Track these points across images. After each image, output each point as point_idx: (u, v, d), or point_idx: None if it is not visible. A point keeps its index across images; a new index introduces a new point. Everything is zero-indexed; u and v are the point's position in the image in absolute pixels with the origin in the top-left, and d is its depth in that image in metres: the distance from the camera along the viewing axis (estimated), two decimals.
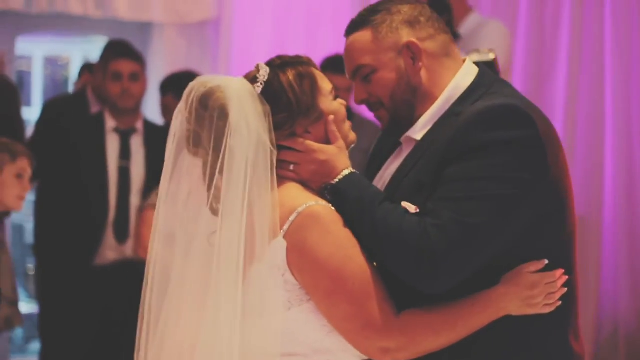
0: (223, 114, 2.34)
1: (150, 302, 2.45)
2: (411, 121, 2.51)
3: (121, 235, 5.41)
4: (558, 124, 6.28)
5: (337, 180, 2.41)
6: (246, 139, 2.32)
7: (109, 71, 5.44)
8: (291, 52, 6.36)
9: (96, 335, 5.41)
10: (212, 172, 2.35)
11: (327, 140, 2.46)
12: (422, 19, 2.51)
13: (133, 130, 5.54)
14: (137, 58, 5.56)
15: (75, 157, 5.39)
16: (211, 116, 2.35)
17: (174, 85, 5.88)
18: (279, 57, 2.48)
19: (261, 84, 2.40)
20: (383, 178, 2.57)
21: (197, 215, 2.41)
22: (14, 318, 4.43)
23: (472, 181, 2.30)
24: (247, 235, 2.31)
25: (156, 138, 5.56)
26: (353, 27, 2.54)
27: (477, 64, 2.58)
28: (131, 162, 5.50)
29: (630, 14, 6.27)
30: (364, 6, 2.61)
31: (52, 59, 8.91)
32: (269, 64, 2.46)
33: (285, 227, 2.32)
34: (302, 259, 2.31)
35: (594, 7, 6.33)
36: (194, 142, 2.40)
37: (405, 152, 2.54)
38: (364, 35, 2.50)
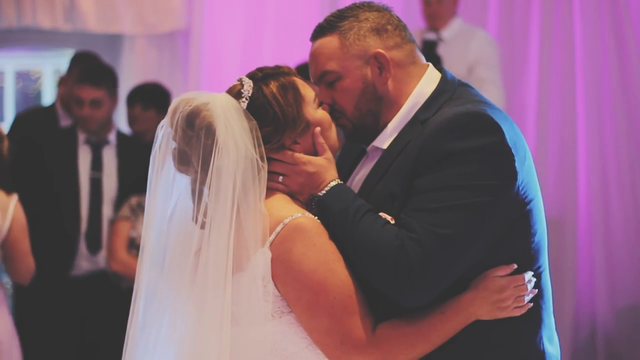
0: (210, 132, 2.34)
1: (137, 315, 2.44)
2: (375, 129, 2.51)
3: (93, 246, 5.39)
4: (530, 127, 6.31)
5: (323, 192, 2.41)
6: (234, 156, 2.32)
7: (73, 93, 5.41)
8: (261, 61, 6.39)
9: (72, 347, 5.37)
10: (200, 188, 2.36)
11: (315, 151, 2.46)
12: (389, 27, 2.50)
13: (105, 142, 5.52)
14: (100, 82, 5.43)
15: (47, 169, 5.37)
16: (198, 135, 2.35)
17: (142, 97, 5.87)
18: (260, 70, 2.47)
19: (246, 99, 2.40)
20: (352, 187, 2.54)
21: (182, 229, 2.41)
22: None
23: (444, 191, 2.29)
24: (234, 246, 2.31)
25: (129, 149, 5.55)
26: (320, 31, 2.54)
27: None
28: (103, 173, 5.48)
29: (599, 16, 6.30)
30: None
31: (23, 73, 8.86)
32: (250, 77, 2.45)
33: (271, 237, 2.32)
34: (286, 271, 2.31)
35: (562, 10, 6.36)
36: (181, 159, 2.39)
37: (371, 160, 2.53)
38: (330, 41, 2.50)
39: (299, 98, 2.44)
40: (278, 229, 2.31)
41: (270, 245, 2.31)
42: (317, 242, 2.32)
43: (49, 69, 8.52)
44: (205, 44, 6.64)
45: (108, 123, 5.54)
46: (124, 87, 6.27)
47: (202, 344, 2.30)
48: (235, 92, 2.42)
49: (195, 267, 2.34)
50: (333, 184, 2.42)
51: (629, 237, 6.29)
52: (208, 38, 6.66)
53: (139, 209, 5.21)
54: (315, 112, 2.47)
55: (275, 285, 2.32)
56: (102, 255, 5.40)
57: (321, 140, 2.45)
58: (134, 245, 5.21)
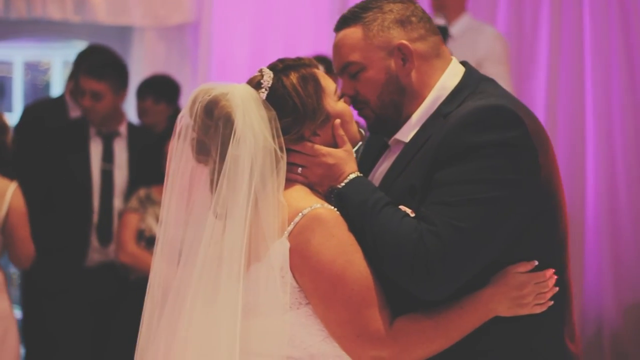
0: (228, 122, 2.34)
1: (152, 305, 2.45)
2: (398, 121, 2.50)
3: (104, 238, 5.39)
4: None
5: (343, 184, 2.40)
6: (251, 146, 2.32)
7: (78, 84, 5.41)
8: (270, 54, 6.40)
9: (82, 338, 5.38)
10: (218, 178, 2.35)
11: (335, 143, 2.46)
12: (413, 19, 2.49)
13: (116, 134, 5.52)
14: (103, 76, 5.39)
15: (58, 160, 5.37)
16: (217, 125, 2.35)
17: (153, 89, 5.88)
18: (281, 61, 2.47)
19: (265, 89, 2.40)
20: (373, 180, 2.54)
21: (199, 219, 2.40)
22: None
23: (465, 184, 2.28)
24: (251, 237, 2.31)
25: (139, 141, 5.55)
26: (344, 22, 2.53)
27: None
28: (114, 165, 5.48)
29: (609, 14, 6.29)
30: (342, 11, 2.61)
31: (32, 64, 8.88)
32: (271, 68, 2.45)
33: (290, 228, 2.31)
34: (304, 261, 2.30)
35: (572, 8, 6.34)
36: (199, 149, 2.39)
37: (393, 153, 2.53)
38: (354, 32, 2.49)
39: (319, 89, 2.43)
40: (297, 219, 2.30)
41: (289, 235, 2.30)
42: (335, 233, 2.30)
43: (58, 61, 8.54)
44: (214, 36, 6.64)
45: (117, 115, 5.54)
46: (133, 80, 6.26)
47: (214, 335, 2.29)
48: (255, 83, 2.42)
49: (211, 258, 2.33)
50: (352, 176, 2.41)
51: (636, 236, 6.29)
52: (217, 31, 6.66)
53: (148, 200, 5.22)
54: (336, 104, 2.46)
55: (293, 276, 2.31)
56: (112, 247, 5.40)
57: (341, 132, 2.45)
58: (142, 237, 5.21)
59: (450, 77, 2.49)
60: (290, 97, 2.40)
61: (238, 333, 2.27)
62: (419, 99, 2.48)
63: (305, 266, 2.30)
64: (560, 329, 2.43)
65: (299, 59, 2.48)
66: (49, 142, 5.38)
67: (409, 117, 2.49)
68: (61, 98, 5.71)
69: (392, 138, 2.52)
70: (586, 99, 6.32)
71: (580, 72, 6.31)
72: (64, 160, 5.37)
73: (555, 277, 2.39)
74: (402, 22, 2.48)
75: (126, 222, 5.22)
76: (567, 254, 2.46)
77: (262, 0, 6.76)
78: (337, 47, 2.52)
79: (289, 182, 2.38)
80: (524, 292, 2.34)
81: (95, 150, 5.46)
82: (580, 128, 6.29)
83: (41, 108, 5.75)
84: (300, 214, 2.31)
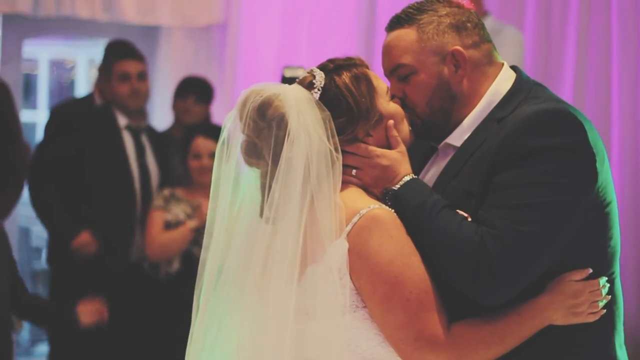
0: (282, 123, 2.30)
1: (199, 312, 2.40)
2: (445, 127, 2.47)
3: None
4: None
5: (398, 186, 2.37)
6: (305, 147, 2.28)
7: (115, 72, 5.45)
8: (298, 55, 6.40)
9: (106, 336, 5.38)
10: (270, 181, 2.32)
11: (388, 144, 2.43)
12: (469, 24, 2.46)
13: (143, 129, 5.56)
14: (142, 58, 5.58)
15: (94, 157, 5.35)
16: (270, 126, 2.31)
17: (195, 89, 5.89)
18: (331, 61, 2.43)
19: (318, 89, 2.36)
20: None
21: (248, 223, 2.38)
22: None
23: (525, 188, 2.25)
24: (307, 239, 2.28)
25: (158, 140, 5.57)
26: (397, 22, 2.48)
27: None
28: (147, 159, 5.51)
29: (637, 18, 6.26)
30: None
31: (58, 62, 8.92)
32: (321, 68, 2.42)
33: (348, 228, 2.28)
34: (362, 262, 2.27)
35: (600, 11, 6.32)
36: (250, 151, 2.36)
37: (442, 158, 2.50)
38: (408, 34, 2.45)
39: (371, 89, 2.40)
40: (355, 219, 2.27)
41: (347, 236, 2.27)
42: (394, 234, 2.27)
43: (83, 59, 8.58)
44: (242, 37, 6.64)
45: (145, 108, 5.59)
46: (160, 80, 6.29)
47: (265, 340, 2.27)
48: (307, 83, 2.39)
49: (262, 263, 2.31)
50: (407, 178, 2.38)
51: None
52: (245, 31, 6.66)
53: (173, 198, 5.23)
54: (388, 105, 2.43)
55: (351, 278, 2.28)
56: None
57: (394, 133, 2.41)
58: (170, 227, 5.20)
59: (502, 82, 2.46)
60: (344, 97, 2.36)
61: (288, 337, 2.25)
62: (469, 106, 2.45)
63: (364, 267, 2.26)
64: (612, 338, 2.41)
65: (349, 58, 2.44)
66: (81, 140, 5.37)
67: (457, 123, 2.46)
68: (90, 96, 5.73)
69: (443, 142, 2.49)
70: (612, 105, 6.30)
71: (607, 77, 6.29)
72: (100, 156, 5.36)
73: (608, 285, 2.37)
74: (458, 28, 2.44)
75: (153, 219, 5.22)
76: (619, 262, 2.43)
77: (290, 2, 6.77)
78: (389, 47, 2.48)
79: (344, 184, 2.34)
80: (579, 300, 2.31)
81: (129, 144, 5.47)
82: (606, 132, 6.27)
83: (70, 107, 5.77)
84: (358, 214, 2.27)
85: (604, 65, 6.31)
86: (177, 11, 6.55)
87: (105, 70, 5.53)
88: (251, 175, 2.40)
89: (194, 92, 5.89)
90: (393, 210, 2.32)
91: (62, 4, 6.31)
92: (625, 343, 6.40)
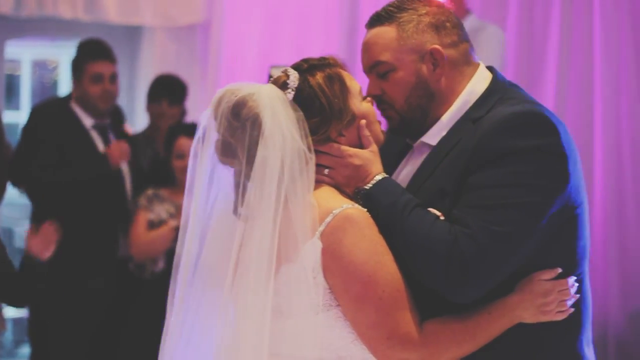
0: (256, 123, 2.31)
1: (178, 298, 2.42)
2: (423, 125, 2.49)
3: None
4: None
5: (370, 185, 2.39)
6: (280, 147, 2.30)
7: (87, 73, 5.38)
8: (281, 55, 6.41)
9: (89, 337, 5.37)
10: (244, 180, 2.33)
11: (361, 144, 2.44)
12: (448, 24, 2.48)
13: (108, 125, 5.48)
14: (114, 59, 5.49)
15: (69, 157, 5.33)
16: (244, 126, 2.32)
17: (167, 92, 5.85)
18: (305, 61, 2.45)
19: (292, 90, 2.38)
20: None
21: (222, 221, 2.39)
22: None
23: (499, 189, 2.28)
24: (281, 238, 2.29)
25: (123, 137, 5.53)
26: (377, 19, 2.50)
27: None
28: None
29: (619, 17, 6.29)
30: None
31: (40, 62, 8.90)
32: (296, 68, 2.43)
33: (321, 228, 2.29)
34: (335, 261, 2.28)
35: (583, 10, 6.35)
36: (225, 151, 2.37)
37: (417, 156, 2.52)
38: (388, 31, 2.47)
39: (344, 90, 2.41)
40: (328, 219, 2.28)
41: (321, 235, 2.27)
42: (367, 234, 2.28)
43: (66, 59, 8.55)
44: (225, 37, 6.64)
45: None
46: (143, 80, 6.28)
47: (241, 338, 2.28)
48: (280, 83, 2.40)
49: (236, 261, 2.33)
50: (379, 177, 2.39)
51: None
52: (228, 32, 6.66)
53: (156, 198, 5.23)
54: (361, 105, 2.44)
55: (324, 277, 2.29)
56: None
57: (367, 132, 2.43)
58: (153, 226, 5.21)
59: (478, 82, 2.48)
60: (317, 97, 2.38)
61: (267, 334, 2.26)
62: (445, 104, 2.47)
63: (337, 266, 2.28)
64: (579, 336, 2.43)
65: (323, 58, 2.45)
66: (58, 140, 5.33)
67: (434, 121, 2.48)
68: (68, 97, 5.67)
69: (419, 141, 2.51)
70: (595, 104, 6.32)
71: (590, 75, 6.31)
72: (76, 155, 5.34)
73: (577, 284, 2.40)
74: (437, 27, 2.46)
75: (136, 219, 5.23)
76: (588, 262, 2.46)
77: (272, 1, 6.77)
78: (368, 44, 2.49)
79: (316, 184, 2.36)
80: (548, 299, 2.34)
81: (98, 143, 5.41)
82: (589, 131, 6.29)
83: (47, 107, 5.69)
84: (331, 214, 2.28)
85: (586, 64, 6.33)
86: (159, 11, 6.55)
87: (77, 69, 5.45)
88: (225, 173, 2.41)
89: (166, 95, 5.82)
90: (366, 210, 2.33)
91: (44, 4, 6.30)
92: (607, 339, 6.40)
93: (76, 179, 5.25)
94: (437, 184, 2.37)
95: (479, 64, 2.53)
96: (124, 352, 5.26)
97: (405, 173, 2.53)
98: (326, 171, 2.40)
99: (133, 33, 6.83)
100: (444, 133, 2.45)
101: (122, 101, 6.21)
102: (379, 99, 2.49)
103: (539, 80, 6.42)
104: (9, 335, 7.52)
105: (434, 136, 2.47)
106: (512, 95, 2.45)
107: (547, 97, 6.39)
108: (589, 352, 2.47)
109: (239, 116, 2.33)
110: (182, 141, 5.17)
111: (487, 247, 2.24)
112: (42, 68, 8.95)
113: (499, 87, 2.48)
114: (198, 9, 6.61)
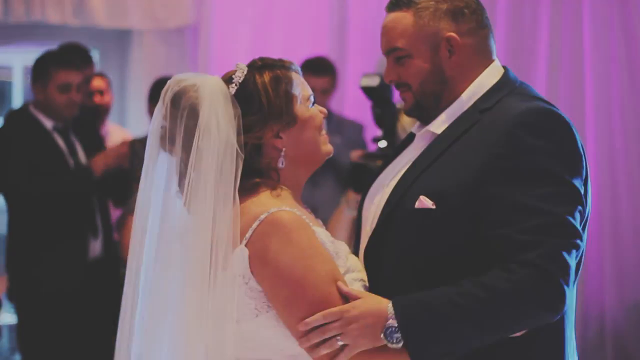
0: (193, 113, 2.32)
1: (129, 306, 2.44)
2: (435, 111, 2.48)
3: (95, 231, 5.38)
4: None
5: (394, 320, 2.24)
6: (216, 141, 2.30)
7: (55, 80, 5.28)
8: (269, 56, 6.39)
9: (78, 341, 5.36)
10: (183, 170, 2.34)
11: (301, 148, 2.41)
12: (466, 11, 2.46)
13: (70, 128, 5.43)
14: (83, 67, 5.45)
15: (37, 160, 5.28)
16: (181, 115, 2.33)
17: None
18: (261, 59, 2.44)
19: (236, 84, 2.38)
20: (395, 171, 2.51)
21: (176, 215, 2.38)
22: None
23: (545, 199, 2.27)
24: (212, 244, 2.28)
25: (85, 138, 5.50)
26: (395, 4, 2.49)
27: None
28: (79, 157, 5.41)
29: (609, 13, 6.29)
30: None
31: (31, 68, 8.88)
32: (250, 64, 2.43)
33: (248, 234, 2.28)
34: (263, 267, 2.27)
35: (572, 8, 6.34)
36: (164, 138, 2.37)
37: (419, 143, 2.51)
38: (405, 17, 2.46)
39: (290, 92, 2.40)
40: (254, 225, 2.27)
41: (247, 242, 2.27)
42: (294, 238, 2.27)
43: None
44: (214, 39, 6.64)
45: None
46: (133, 83, 6.27)
47: (185, 342, 2.28)
48: (227, 77, 2.40)
49: (180, 259, 2.33)
50: (389, 305, 2.26)
51: (637, 234, 6.29)
52: (217, 34, 6.66)
53: None
54: (307, 110, 2.43)
55: (257, 281, 2.28)
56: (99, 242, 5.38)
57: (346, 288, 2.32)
58: None
59: (489, 76, 2.47)
60: (259, 95, 2.37)
61: (209, 340, 2.26)
62: (456, 92, 2.46)
63: (265, 272, 2.26)
64: (563, 345, 2.46)
65: (280, 59, 2.45)
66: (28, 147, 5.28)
67: (447, 107, 2.47)
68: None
69: (423, 129, 2.50)
70: (586, 99, 6.32)
71: (580, 72, 6.31)
72: (42, 159, 5.28)
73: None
74: (455, 14, 2.45)
75: (128, 224, 5.21)
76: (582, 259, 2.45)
77: (262, 3, 6.77)
78: (386, 29, 2.49)
79: (258, 188, 2.35)
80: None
81: (61, 144, 5.34)
82: (580, 128, 6.28)
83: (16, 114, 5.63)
84: (257, 219, 2.27)
85: (577, 63, 6.33)
86: (148, 14, 6.55)
87: (43, 74, 5.35)
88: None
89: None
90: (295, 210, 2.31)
91: (32, 9, 6.30)
92: (605, 333, 6.39)
93: (60, 192, 5.24)
94: (442, 171, 2.36)
95: (494, 59, 2.52)
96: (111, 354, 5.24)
97: (406, 160, 2.51)
98: (339, 342, 2.27)
99: (122, 37, 6.82)
100: (449, 123, 2.45)
101: (112, 104, 6.21)
102: (397, 83, 2.50)
103: (529, 79, 6.41)
104: (5, 342, 7.51)
105: (438, 125, 2.46)
106: (522, 91, 2.45)
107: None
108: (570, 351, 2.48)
109: (179, 105, 2.34)
110: None
111: (566, 260, 2.25)
112: None
113: (509, 83, 2.47)
114: (186, 11, 6.62)
